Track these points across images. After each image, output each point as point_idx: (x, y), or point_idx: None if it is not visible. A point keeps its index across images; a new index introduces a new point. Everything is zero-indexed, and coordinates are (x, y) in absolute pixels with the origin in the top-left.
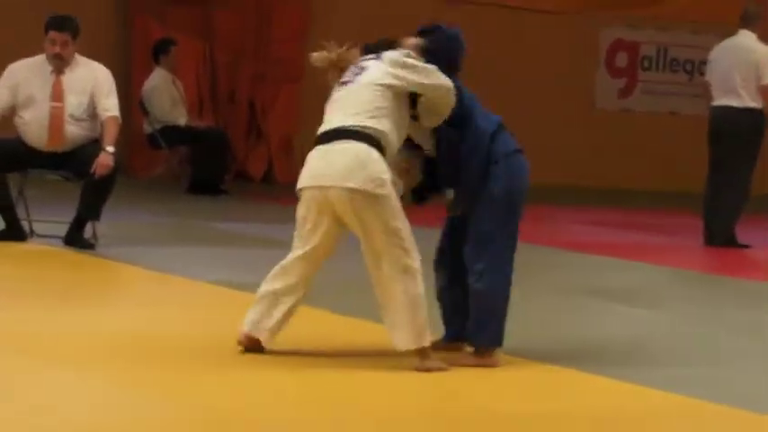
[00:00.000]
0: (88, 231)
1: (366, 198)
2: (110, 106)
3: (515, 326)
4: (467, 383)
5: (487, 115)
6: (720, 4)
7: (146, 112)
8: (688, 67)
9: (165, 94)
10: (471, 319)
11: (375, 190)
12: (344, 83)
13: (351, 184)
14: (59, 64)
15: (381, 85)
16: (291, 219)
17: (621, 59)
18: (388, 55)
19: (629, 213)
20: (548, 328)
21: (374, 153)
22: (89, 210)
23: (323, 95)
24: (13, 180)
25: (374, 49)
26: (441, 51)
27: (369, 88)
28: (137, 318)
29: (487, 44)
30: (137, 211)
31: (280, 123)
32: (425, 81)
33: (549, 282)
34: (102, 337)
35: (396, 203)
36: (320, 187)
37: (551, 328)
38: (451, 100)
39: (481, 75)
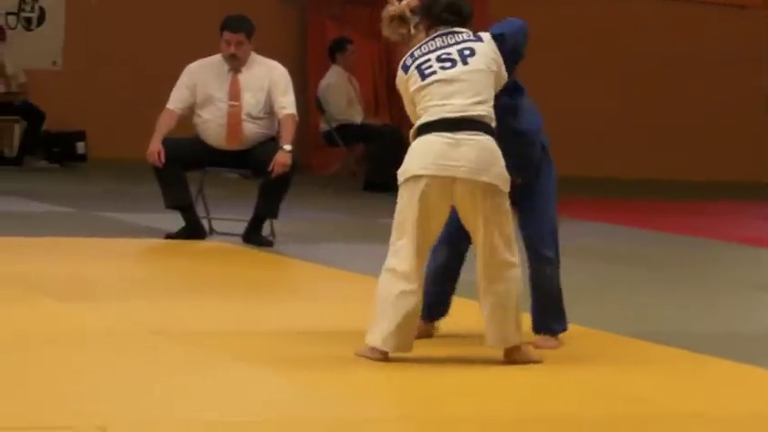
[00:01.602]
0: (266, 229)
1: (495, 194)
2: (287, 104)
3: (709, 322)
4: (647, 385)
5: (532, 108)
6: None
7: (322, 111)
8: None
9: (342, 92)
10: (548, 307)
11: (503, 187)
12: (448, 60)
13: (485, 179)
14: (235, 63)
15: (491, 71)
16: None
17: None
18: (488, 38)
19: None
20: (737, 323)
21: (497, 148)
22: (267, 208)
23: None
24: (192, 178)
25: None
26: (510, 39)
27: (483, 74)
28: (316, 314)
29: (669, 40)
30: (314, 208)
31: None
32: (504, 73)
33: (737, 278)
34: (282, 333)
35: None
36: (449, 178)
37: (740, 323)
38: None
39: (665, 73)
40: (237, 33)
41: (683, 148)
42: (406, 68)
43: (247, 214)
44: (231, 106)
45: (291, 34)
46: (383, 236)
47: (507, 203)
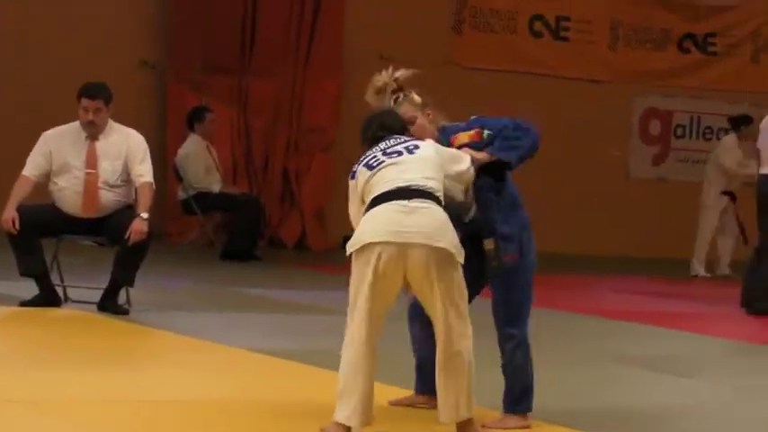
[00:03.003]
0: (122, 297)
1: (450, 261)
2: (144, 172)
3: (561, 395)
4: None
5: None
6: (753, 74)
7: (179, 179)
8: (721, 135)
9: (200, 161)
10: (513, 387)
11: (457, 256)
12: (394, 153)
13: (441, 245)
14: (93, 131)
15: (439, 157)
16: (324, 285)
17: (655, 127)
18: (430, 142)
19: (670, 283)
20: (592, 397)
21: (449, 220)
22: (123, 276)
23: (353, 165)
24: (47, 246)
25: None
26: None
27: (431, 159)
28: (172, 383)
29: (522, 110)
30: (171, 276)
31: (313, 191)
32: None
33: (592, 350)
34: (135, 403)
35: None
36: (402, 244)
37: (596, 397)
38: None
39: None
40: (95, 100)
41: (547, 219)
42: (353, 175)
43: (103, 282)
44: (88, 174)
45: (150, 102)
46: (240, 305)
47: (461, 275)
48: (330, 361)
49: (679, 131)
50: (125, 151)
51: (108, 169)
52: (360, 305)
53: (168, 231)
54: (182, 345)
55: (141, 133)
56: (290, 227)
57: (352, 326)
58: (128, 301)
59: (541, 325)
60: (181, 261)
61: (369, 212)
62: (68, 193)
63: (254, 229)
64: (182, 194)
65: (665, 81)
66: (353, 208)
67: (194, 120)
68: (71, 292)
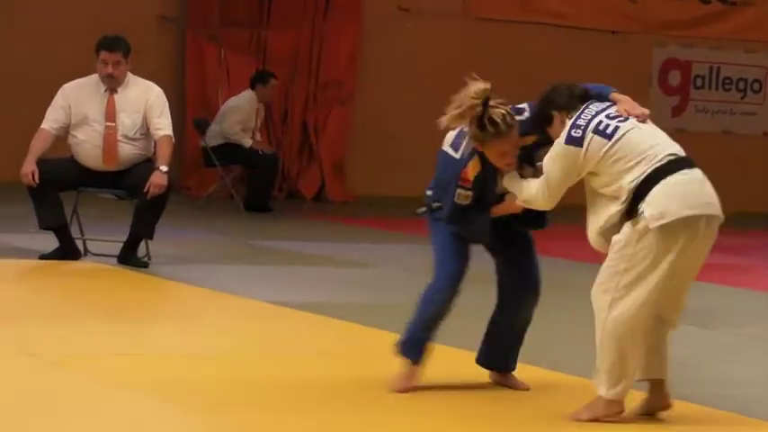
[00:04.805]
0: (142, 250)
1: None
2: (163, 125)
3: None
4: None
5: None
6: None
7: (202, 131)
8: (741, 85)
9: (242, 116)
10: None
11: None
12: (616, 117)
13: (721, 216)
14: (112, 83)
15: None
16: (342, 237)
17: (674, 78)
18: None
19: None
20: None
21: None
22: (142, 228)
23: (372, 118)
24: (66, 199)
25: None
26: None
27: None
28: (191, 337)
29: (539, 62)
30: (190, 229)
31: (331, 144)
32: None
33: None
34: (155, 356)
35: None
36: (708, 216)
37: None
38: None
39: (533, 92)
40: (114, 53)
41: None
42: (577, 141)
43: (123, 235)
44: (107, 127)
45: (169, 55)
46: (258, 257)
47: None
48: (345, 312)
49: (698, 82)
50: (144, 104)
51: (127, 122)
52: (652, 282)
53: (187, 184)
54: (201, 297)
55: (160, 86)
56: (309, 179)
57: (629, 300)
58: (147, 254)
59: (569, 277)
60: (200, 214)
61: (662, 182)
62: (87, 147)
63: (269, 185)
64: (206, 142)
65: (685, 31)
66: (566, 180)
67: (257, 81)
68: (91, 246)
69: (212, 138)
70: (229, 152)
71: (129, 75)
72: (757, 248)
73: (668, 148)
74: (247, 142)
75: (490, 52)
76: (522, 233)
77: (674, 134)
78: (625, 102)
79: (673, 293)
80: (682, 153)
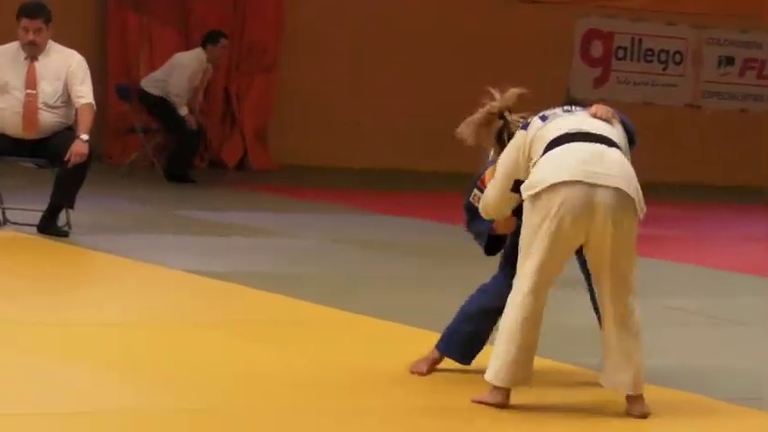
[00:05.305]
0: (62, 219)
1: (634, 215)
2: (84, 93)
3: None
4: None
5: None
6: None
7: (126, 98)
8: (662, 57)
9: (190, 75)
10: None
11: (640, 213)
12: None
13: (630, 191)
14: (33, 50)
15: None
16: (265, 206)
17: (596, 49)
18: None
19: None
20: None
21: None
22: (63, 197)
23: (295, 86)
24: None
25: None
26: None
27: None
28: (114, 306)
29: (462, 32)
30: (111, 198)
31: (254, 112)
32: None
33: None
34: (78, 326)
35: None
36: (591, 185)
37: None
38: None
39: (455, 62)
40: (35, 20)
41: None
42: (525, 126)
43: (43, 204)
44: (27, 95)
45: (90, 23)
46: (179, 227)
47: (635, 239)
48: (260, 281)
49: (620, 53)
50: (65, 72)
51: (48, 90)
52: (534, 258)
53: (109, 153)
54: (122, 267)
55: (82, 54)
56: (232, 148)
57: (521, 280)
58: (68, 223)
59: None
60: (121, 183)
61: (546, 155)
62: (7, 114)
63: (190, 157)
64: (143, 86)
65: (607, 2)
66: (505, 166)
67: (208, 41)
68: (10, 215)
69: (152, 86)
70: (162, 109)
71: (51, 42)
72: (680, 219)
73: (577, 125)
74: (183, 110)
75: (413, 21)
76: None
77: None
78: (596, 106)
79: (595, 275)
80: (593, 131)
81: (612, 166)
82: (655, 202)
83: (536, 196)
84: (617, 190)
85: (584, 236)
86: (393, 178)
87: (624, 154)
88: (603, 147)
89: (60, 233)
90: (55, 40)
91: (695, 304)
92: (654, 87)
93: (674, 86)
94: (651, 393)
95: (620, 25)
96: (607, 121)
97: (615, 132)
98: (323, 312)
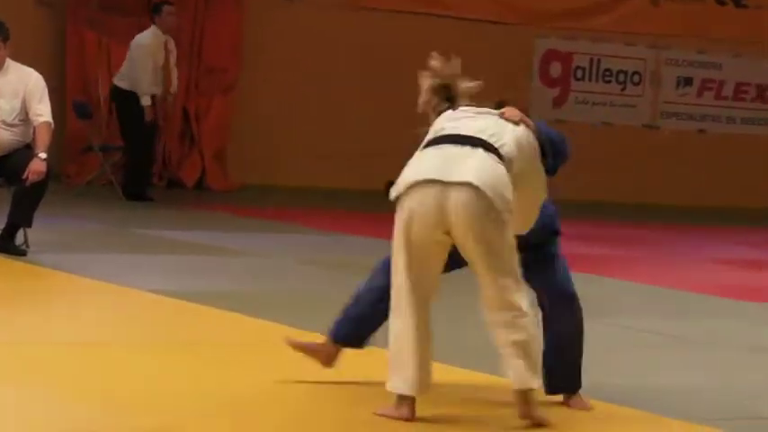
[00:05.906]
0: (20, 238)
1: (496, 214)
2: (42, 111)
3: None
4: None
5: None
6: (652, 16)
7: (84, 115)
8: (621, 78)
9: (150, 51)
10: None
11: (502, 214)
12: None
13: (486, 189)
14: None
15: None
16: (223, 226)
17: (555, 69)
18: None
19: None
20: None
21: (504, 172)
22: (21, 216)
23: (254, 107)
24: None
25: None
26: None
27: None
28: (71, 325)
29: (421, 52)
30: (69, 217)
31: (213, 133)
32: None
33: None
34: (34, 345)
35: (513, 241)
36: (441, 183)
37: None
38: None
39: (415, 80)
40: None
41: None
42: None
43: (0, 223)
44: None
45: (49, 40)
46: (137, 246)
47: (509, 236)
48: (217, 300)
49: (579, 74)
50: (23, 90)
51: (5, 108)
52: (400, 265)
53: (67, 171)
54: (80, 286)
55: (40, 72)
56: (190, 167)
57: (394, 293)
58: (26, 241)
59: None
60: (80, 202)
61: (416, 154)
62: None
63: (146, 172)
64: (118, 82)
65: (566, 23)
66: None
67: (154, 13)
68: None
69: (121, 79)
70: (125, 103)
71: (9, 60)
72: (638, 240)
73: (457, 128)
74: (146, 100)
75: (373, 42)
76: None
77: (555, 125)
78: (508, 108)
79: (477, 275)
80: (469, 133)
81: (471, 165)
82: (612, 223)
83: (398, 197)
84: (470, 188)
85: (443, 235)
86: (354, 198)
87: (512, 158)
88: (469, 149)
89: (18, 252)
90: (13, 59)
91: (651, 324)
92: (612, 108)
93: (633, 107)
94: (606, 411)
95: (578, 46)
96: (516, 123)
97: (508, 136)
98: (282, 332)
